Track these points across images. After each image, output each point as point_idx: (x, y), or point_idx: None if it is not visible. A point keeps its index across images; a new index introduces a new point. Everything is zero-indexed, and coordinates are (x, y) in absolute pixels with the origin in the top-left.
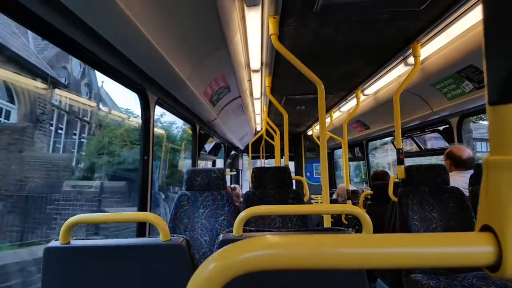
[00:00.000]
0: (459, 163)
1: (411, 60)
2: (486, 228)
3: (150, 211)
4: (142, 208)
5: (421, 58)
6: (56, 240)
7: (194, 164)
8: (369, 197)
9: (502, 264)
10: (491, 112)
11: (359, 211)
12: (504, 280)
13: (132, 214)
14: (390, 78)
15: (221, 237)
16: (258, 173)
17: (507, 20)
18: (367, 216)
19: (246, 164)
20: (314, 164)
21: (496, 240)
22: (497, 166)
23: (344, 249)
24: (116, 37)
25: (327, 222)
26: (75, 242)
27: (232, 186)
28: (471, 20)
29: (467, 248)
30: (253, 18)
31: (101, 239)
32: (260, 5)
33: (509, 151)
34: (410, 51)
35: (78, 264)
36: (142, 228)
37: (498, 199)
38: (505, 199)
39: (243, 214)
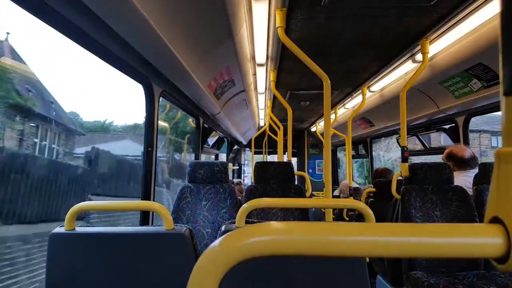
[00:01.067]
0: (462, 163)
1: (419, 57)
2: (495, 220)
3: (154, 201)
4: (146, 198)
5: (429, 55)
6: (62, 226)
7: (197, 157)
8: (372, 194)
9: (510, 256)
10: (506, 103)
11: (362, 206)
12: (508, 271)
13: (137, 202)
14: (397, 75)
15: (223, 227)
16: (260, 167)
17: None
18: (370, 211)
19: (249, 159)
20: (316, 161)
21: (506, 232)
22: (508, 158)
23: (350, 237)
24: (122, 27)
25: (328, 218)
26: (80, 229)
27: (236, 180)
28: (482, 17)
29: (475, 239)
30: (260, 10)
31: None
32: None
33: None
34: (419, 47)
35: (83, 251)
36: (145, 218)
37: (508, 191)
38: None
39: (246, 205)
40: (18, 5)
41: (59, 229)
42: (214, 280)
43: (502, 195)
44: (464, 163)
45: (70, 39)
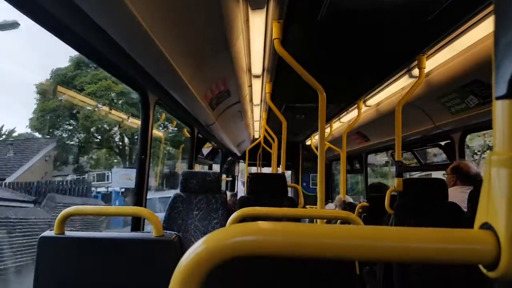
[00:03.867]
0: (466, 178)
1: (415, 72)
2: (485, 226)
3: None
4: (138, 204)
5: (426, 70)
6: (51, 230)
7: (190, 167)
8: (365, 209)
9: (500, 263)
10: (497, 107)
11: (353, 217)
12: (501, 279)
13: (127, 208)
14: (394, 90)
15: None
16: (253, 179)
17: None
18: (360, 221)
19: (243, 171)
20: (311, 175)
21: (496, 238)
22: (500, 163)
23: (335, 240)
24: (120, 35)
25: None
26: (69, 233)
27: (233, 192)
28: (478, 34)
29: (465, 245)
30: (257, 21)
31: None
32: (265, 8)
33: None
34: (415, 63)
35: (71, 255)
36: (137, 224)
37: (499, 196)
38: (506, 196)
39: (236, 214)
40: (17, 8)
41: (48, 233)
42: (197, 280)
43: (493, 200)
44: (469, 178)
45: (68, 44)
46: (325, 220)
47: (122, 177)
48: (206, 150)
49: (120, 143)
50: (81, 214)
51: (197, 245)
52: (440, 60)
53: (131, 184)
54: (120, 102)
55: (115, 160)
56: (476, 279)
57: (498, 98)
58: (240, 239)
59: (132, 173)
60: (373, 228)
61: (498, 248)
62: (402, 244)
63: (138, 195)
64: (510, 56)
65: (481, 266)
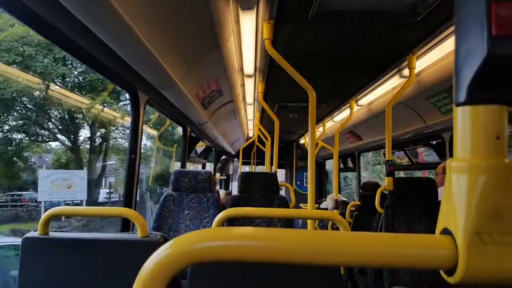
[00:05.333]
0: None
1: (406, 72)
2: (445, 231)
3: (135, 209)
4: (127, 204)
5: (416, 70)
6: (35, 230)
7: (183, 166)
8: (357, 208)
9: (458, 268)
10: (458, 113)
11: (337, 217)
12: (459, 284)
13: (112, 209)
14: (385, 90)
15: None
16: (245, 177)
17: (471, 21)
18: (344, 221)
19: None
20: (305, 173)
21: (454, 244)
22: (460, 169)
23: (299, 246)
24: (109, 35)
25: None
26: (53, 234)
27: (226, 191)
28: None
29: (425, 250)
30: (248, 22)
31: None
32: (255, 9)
33: (472, 154)
34: (406, 63)
35: (55, 255)
36: (126, 225)
37: (458, 202)
38: (464, 202)
39: (222, 215)
40: (5, 10)
41: (32, 233)
42: (159, 285)
43: (453, 207)
44: None
45: (56, 44)
46: (315, 220)
47: (53, 184)
48: (200, 148)
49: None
50: (65, 214)
51: (162, 249)
52: (430, 60)
53: (71, 194)
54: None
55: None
56: None
57: (458, 104)
58: (204, 245)
59: (77, 176)
60: (334, 234)
61: (456, 253)
62: (364, 249)
63: (127, 195)
64: (469, 64)
65: (441, 272)
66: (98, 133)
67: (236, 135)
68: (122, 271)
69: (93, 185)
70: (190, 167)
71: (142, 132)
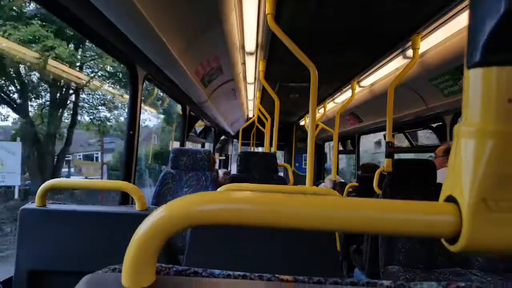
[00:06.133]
0: None
1: (409, 53)
2: (450, 199)
3: (134, 184)
4: (126, 179)
5: (420, 51)
6: (33, 202)
7: (182, 144)
8: (354, 189)
9: (461, 236)
10: (470, 77)
11: (333, 194)
12: (461, 252)
13: (109, 182)
14: (388, 71)
15: None
16: (244, 157)
17: None
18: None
19: (236, 150)
20: (304, 155)
21: (458, 211)
22: (467, 134)
23: (299, 209)
24: (108, 6)
25: None
26: (51, 206)
27: (224, 171)
28: None
29: (428, 217)
30: None
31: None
32: None
33: (482, 119)
34: (410, 43)
35: (53, 227)
36: (125, 198)
37: (465, 168)
38: (471, 168)
39: (220, 189)
40: None
41: (29, 205)
42: (153, 247)
43: (459, 173)
44: None
45: (54, 14)
46: None
47: None
48: (199, 128)
49: None
50: (62, 186)
51: (158, 211)
52: (435, 41)
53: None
54: None
55: None
56: (458, 258)
57: (470, 66)
58: (201, 208)
59: (3, 150)
60: (334, 199)
61: (459, 221)
62: (364, 213)
63: (127, 170)
64: (484, 23)
65: (443, 240)
66: (58, 95)
67: (236, 115)
68: (120, 243)
69: (47, 165)
70: (189, 147)
71: (140, 108)
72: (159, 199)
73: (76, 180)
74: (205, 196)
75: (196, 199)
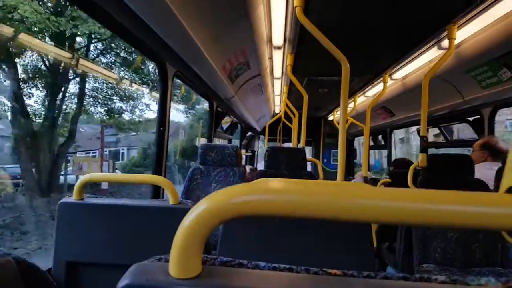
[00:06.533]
0: (498, 154)
1: (445, 43)
2: (511, 190)
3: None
4: (157, 173)
5: (456, 41)
6: (70, 196)
7: (209, 140)
8: (387, 185)
9: None
10: None
11: (366, 186)
12: None
13: (144, 176)
14: (421, 62)
15: None
16: (272, 152)
17: None
18: None
19: (263, 147)
20: (332, 151)
21: None
22: None
23: (349, 200)
24: (138, 5)
25: None
26: (88, 200)
27: (252, 167)
28: None
29: (489, 208)
30: None
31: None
32: None
33: None
34: (445, 33)
35: (90, 220)
36: (156, 192)
37: None
38: None
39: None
40: None
41: (68, 199)
42: (199, 238)
43: None
44: (500, 154)
45: (87, 14)
46: None
47: None
48: (225, 125)
49: None
50: (99, 181)
51: (199, 205)
52: (472, 31)
53: None
54: None
55: None
56: (498, 258)
57: None
58: (241, 199)
59: None
60: (389, 190)
61: None
62: (422, 205)
63: (157, 165)
64: None
65: (503, 233)
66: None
67: (262, 111)
68: (155, 236)
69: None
70: (216, 143)
71: (170, 105)
72: (188, 194)
73: (111, 174)
74: (247, 187)
75: (239, 190)
